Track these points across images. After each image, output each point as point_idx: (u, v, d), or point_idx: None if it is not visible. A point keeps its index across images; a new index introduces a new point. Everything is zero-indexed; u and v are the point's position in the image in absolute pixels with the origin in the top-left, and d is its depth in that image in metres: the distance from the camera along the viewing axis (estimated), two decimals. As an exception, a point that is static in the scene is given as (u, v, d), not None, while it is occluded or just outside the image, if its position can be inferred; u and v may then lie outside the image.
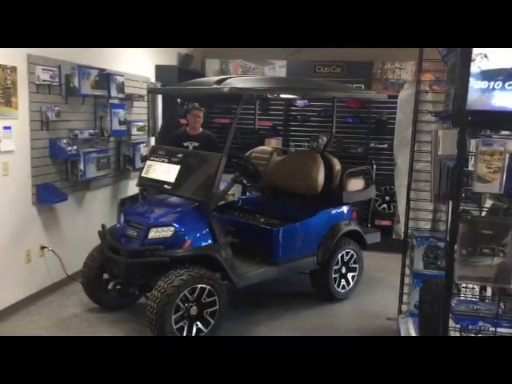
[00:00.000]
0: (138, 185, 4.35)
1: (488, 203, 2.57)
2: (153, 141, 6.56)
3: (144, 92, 5.95)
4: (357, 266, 4.85)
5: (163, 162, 4.17)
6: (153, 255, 3.58)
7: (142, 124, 5.84)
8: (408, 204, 4.03)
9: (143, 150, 5.80)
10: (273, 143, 7.46)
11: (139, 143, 5.75)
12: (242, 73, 7.57)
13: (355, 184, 4.87)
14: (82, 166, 4.62)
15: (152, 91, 4.79)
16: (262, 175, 4.36)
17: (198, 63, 7.66)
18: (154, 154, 4.32)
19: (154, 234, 3.70)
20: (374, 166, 5.21)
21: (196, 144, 5.49)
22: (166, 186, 4.03)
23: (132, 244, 3.79)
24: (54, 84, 4.35)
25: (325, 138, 7.45)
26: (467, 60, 2.04)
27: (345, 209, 4.80)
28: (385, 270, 5.53)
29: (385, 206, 6.91)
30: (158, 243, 3.66)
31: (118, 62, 5.42)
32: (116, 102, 5.30)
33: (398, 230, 4.55)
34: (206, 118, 7.71)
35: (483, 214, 2.50)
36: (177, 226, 3.68)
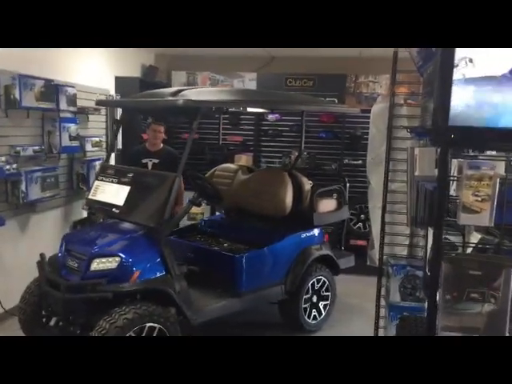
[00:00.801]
0: (84, 208, 3.89)
1: (475, 236, 2.20)
2: (113, 158, 6.14)
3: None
4: (329, 293, 4.46)
5: (112, 182, 3.73)
6: (94, 290, 3.12)
7: (97, 139, 5.38)
8: (383, 228, 3.67)
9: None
10: (243, 159, 7.09)
11: (95, 160, 5.29)
12: (210, 85, 7.21)
13: (327, 204, 4.50)
14: (23, 187, 4.15)
15: (100, 103, 4.36)
16: (222, 196, 3.96)
17: (163, 75, 7.27)
18: (102, 173, 3.88)
19: (96, 265, 3.25)
20: (348, 184, 4.86)
21: (156, 161, 5.07)
22: (114, 209, 3.59)
23: (72, 277, 3.33)
24: (-8, 96, 3.90)
25: (297, 154, 7.15)
26: (449, 64, 1.68)
27: (316, 232, 4.42)
28: (361, 295, 5.14)
29: (360, 225, 6.58)
30: (101, 276, 3.20)
31: (70, 73, 4.98)
32: (68, 115, 4.85)
33: (372, 256, 4.19)
34: (171, 133, 7.37)
35: (469, 250, 2.14)
36: (123, 256, 3.24)
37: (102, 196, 3.76)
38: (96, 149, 5.39)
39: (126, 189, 3.59)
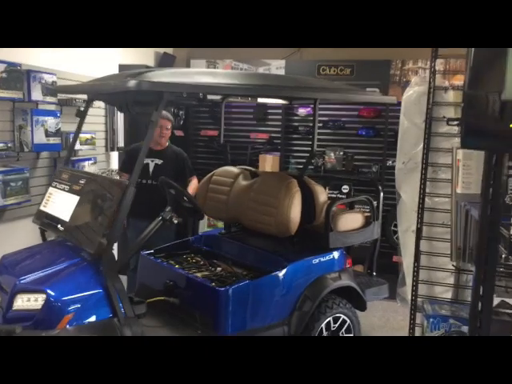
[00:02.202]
0: (34, 221, 3.11)
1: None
2: (114, 157, 5.40)
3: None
4: (351, 335, 3.46)
5: (64, 190, 2.93)
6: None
7: (88, 136, 4.63)
8: (417, 259, 2.65)
9: (89, 169, 4.60)
10: (268, 160, 6.18)
11: (83, 160, 4.55)
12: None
13: (349, 221, 3.50)
14: (-25, 193, 3.45)
15: (52, 91, 3.58)
16: (201, 210, 3.07)
17: (182, 64, 6.47)
18: (58, 178, 3.09)
19: (21, 302, 2.45)
20: (382, 194, 3.81)
21: (159, 162, 4.26)
22: (59, 225, 2.79)
23: (-4, 315, 2.56)
24: None
25: (332, 154, 6.14)
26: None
27: (334, 255, 3.43)
28: (396, 328, 4.14)
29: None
30: (25, 318, 2.40)
31: (50, 57, 4.24)
32: (47, 107, 4.13)
33: (402, 294, 3.17)
34: (191, 129, 6.57)
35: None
36: (49, 292, 2.41)
37: (51, 207, 2.97)
38: (86, 147, 4.64)
39: (75, 200, 2.78)
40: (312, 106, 5.90)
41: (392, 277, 4.23)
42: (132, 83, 2.37)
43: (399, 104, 3.52)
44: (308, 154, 6.07)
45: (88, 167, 4.59)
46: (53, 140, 4.10)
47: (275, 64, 6.19)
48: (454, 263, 2.50)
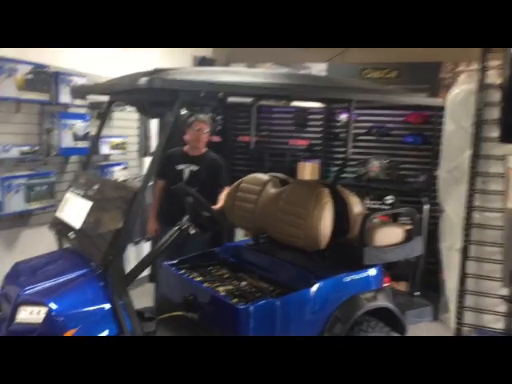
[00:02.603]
0: (49, 227, 2.98)
1: None
2: (147, 163, 5.27)
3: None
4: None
5: (79, 195, 2.78)
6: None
7: (119, 140, 4.52)
8: (462, 282, 2.30)
9: (120, 174, 4.48)
10: (307, 168, 5.90)
11: (113, 165, 4.44)
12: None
13: (387, 235, 3.17)
14: (-1, 196, 3.37)
15: (75, 90, 3.44)
16: (218, 220, 2.84)
17: (221, 68, 6.31)
18: (75, 182, 2.95)
19: (23, 315, 2.30)
20: (425, 206, 3.45)
21: (195, 168, 4.09)
22: (71, 233, 2.64)
23: (1, 326, 2.42)
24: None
25: (376, 163, 5.79)
26: None
27: (369, 273, 3.11)
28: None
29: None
30: (26, 331, 2.25)
31: (80, 58, 4.16)
32: (76, 110, 4.05)
33: (446, 320, 2.79)
34: (229, 135, 6.38)
35: None
36: (51, 305, 2.24)
37: (66, 213, 2.83)
38: (117, 151, 4.53)
39: (88, 206, 2.61)
40: (357, 111, 5.70)
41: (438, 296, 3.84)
42: (143, 81, 2.17)
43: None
44: (351, 162, 5.82)
45: (118, 172, 4.48)
46: (81, 144, 4.00)
47: (317, 68, 5.92)
48: (506, 289, 2.14)
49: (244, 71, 2.91)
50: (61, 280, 2.40)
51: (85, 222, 2.55)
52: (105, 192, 2.54)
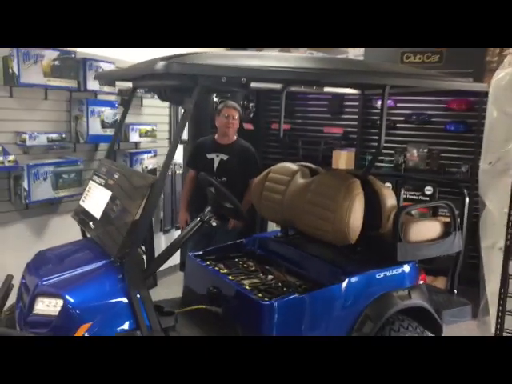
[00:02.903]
0: (73, 216, 2.94)
1: None
2: (178, 150, 5.19)
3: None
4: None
5: (101, 184, 2.72)
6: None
7: (149, 128, 4.46)
8: (505, 285, 2.11)
9: (148, 163, 4.43)
10: (343, 157, 5.70)
11: (142, 153, 4.38)
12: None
13: (423, 230, 2.97)
14: (25, 184, 3.35)
15: (98, 76, 3.35)
16: (242, 212, 2.72)
17: (254, 54, 6.15)
18: (98, 171, 2.88)
19: (41, 306, 2.26)
20: (467, 199, 3.22)
21: (225, 157, 3.98)
22: (91, 223, 2.58)
23: (19, 318, 2.40)
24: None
25: (415, 151, 5.53)
26: None
27: (403, 269, 2.93)
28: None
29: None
30: (43, 323, 2.21)
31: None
32: (105, 97, 4.00)
33: (485, 325, 2.58)
34: (262, 123, 6.23)
35: None
36: (67, 297, 2.18)
37: (88, 203, 2.77)
38: (146, 139, 4.47)
39: (108, 195, 2.54)
40: (392, 99, 5.44)
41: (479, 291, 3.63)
42: (160, 65, 2.06)
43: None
44: (389, 151, 5.58)
45: (147, 160, 4.42)
46: (110, 131, 3.95)
47: (353, 52, 5.67)
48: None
49: (269, 55, 2.75)
50: (79, 271, 2.35)
51: (104, 212, 2.48)
52: (124, 181, 2.46)
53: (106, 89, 3.94)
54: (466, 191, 3.26)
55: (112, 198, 2.46)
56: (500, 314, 2.12)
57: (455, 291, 3.36)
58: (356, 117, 5.66)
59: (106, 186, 2.62)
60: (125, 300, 2.23)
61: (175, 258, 4.84)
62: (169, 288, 4.94)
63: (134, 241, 2.17)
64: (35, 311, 2.26)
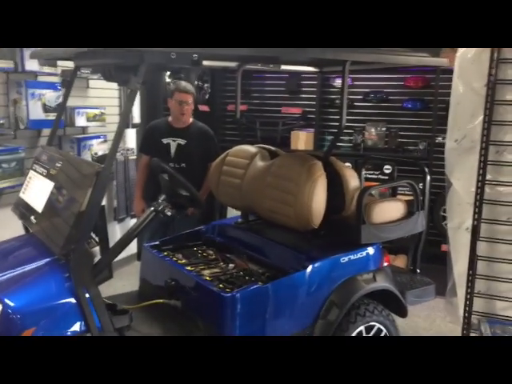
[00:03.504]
0: (13, 210, 2.69)
1: None
2: (130, 134, 4.95)
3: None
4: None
5: (42, 174, 2.48)
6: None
7: (97, 112, 4.19)
8: (472, 266, 2.05)
9: (97, 149, 4.17)
10: (301, 137, 5.60)
11: (90, 138, 4.12)
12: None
13: (386, 211, 2.90)
14: (-41, 175, 3.07)
15: (35, 54, 3.07)
16: (201, 200, 2.56)
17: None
18: (38, 159, 2.64)
19: (-21, 310, 2.03)
20: (428, 178, 3.17)
21: (182, 142, 3.76)
22: (32, 217, 2.35)
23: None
24: None
25: (373, 130, 5.49)
26: None
27: (368, 252, 2.85)
28: (445, 333, 3.54)
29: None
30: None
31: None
32: (47, 79, 3.70)
33: (453, 306, 2.54)
34: (218, 104, 6.02)
35: None
36: (6, 301, 1.97)
37: (28, 195, 2.54)
38: (95, 124, 4.20)
39: (50, 186, 2.32)
40: (353, 75, 5.34)
41: (440, 268, 3.62)
42: (100, 39, 1.85)
43: (452, 71, 2.84)
44: (348, 131, 5.51)
45: (97, 146, 4.17)
46: (53, 116, 3.66)
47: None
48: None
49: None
50: (21, 271, 2.13)
51: (46, 204, 2.26)
52: (67, 170, 2.24)
53: (47, 69, 3.64)
54: (426, 169, 3.21)
55: (54, 189, 2.24)
56: (468, 296, 2.07)
57: (418, 271, 3.33)
58: (314, 96, 5.54)
59: (48, 175, 2.39)
60: (73, 300, 2.04)
61: (132, 248, 4.63)
62: (125, 279, 4.74)
63: (80, 235, 1.98)
64: (-28, 317, 2.03)
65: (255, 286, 2.47)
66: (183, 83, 3.86)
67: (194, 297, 2.62)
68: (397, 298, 2.93)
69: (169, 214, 2.36)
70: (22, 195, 2.62)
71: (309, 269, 2.61)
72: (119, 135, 1.99)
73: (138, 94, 4.81)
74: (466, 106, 2.13)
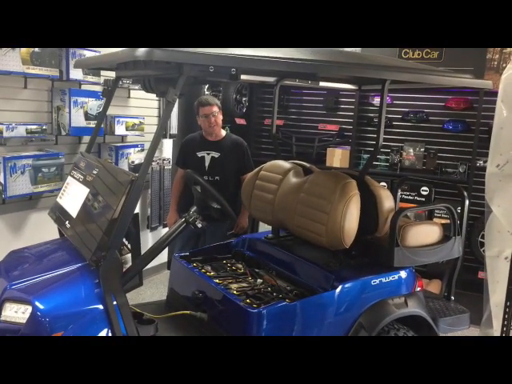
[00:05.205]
0: (49, 214, 2.75)
1: None
2: (167, 144, 5.02)
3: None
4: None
5: (79, 180, 2.53)
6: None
7: (136, 121, 4.27)
8: (511, 297, 1.95)
9: (135, 157, 4.24)
10: (337, 155, 5.54)
11: (128, 147, 4.19)
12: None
13: (421, 234, 2.82)
14: (1, 178, 3.16)
15: (78, 63, 3.12)
16: (233, 215, 2.55)
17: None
18: (76, 166, 2.70)
19: (8, 312, 2.07)
20: (467, 202, 3.07)
21: (216, 155, 3.76)
22: (67, 222, 2.40)
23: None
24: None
25: (411, 150, 5.39)
26: None
27: (400, 275, 2.77)
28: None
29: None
30: (9, 331, 2.03)
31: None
32: (89, 88, 3.80)
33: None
34: (255, 118, 6.04)
35: None
36: (37, 304, 2.00)
37: (65, 200, 2.59)
38: (133, 133, 4.28)
39: (85, 192, 2.36)
40: (392, 94, 5.27)
41: (476, 296, 3.50)
42: (141, 52, 1.88)
43: (496, 94, 2.78)
44: (384, 150, 5.43)
45: (134, 155, 4.23)
46: (93, 124, 3.75)
47: (349, 49, 5.49)
48: None
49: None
50: (52, 275, 2.17)
51: (80, 210, 2.30)
52: (102, 178, 2.27)
53: (91, 79, 3.74)
54: (465, 193, 3.12)
55: (89, 196, 2.28)
56: (505, 329, 1.97)
57: (452, 298, 3.22)
58: (352, 114, 5.49)
59: (84, 182, 2.43)
60: (100, 307, 2.06)
61: (163, 256, 4.67)
62: (155, 288, 4.78)
63: (111, 243, 2.00)
64: (2, 317, 2.08)
65: (283, 304, 2.44)
66: (204, 97, 3.87)
67: (221, 310, 2.60)
68: (429, 325, 2.83)
69: (199, 225, 2.37)
70: (58, 200, 2.67)
71: (338, 289, 2.56)
72: (155, 145, 2.01)
73: (176, 105, 4.90)
74: (510, 131, 2.05)
